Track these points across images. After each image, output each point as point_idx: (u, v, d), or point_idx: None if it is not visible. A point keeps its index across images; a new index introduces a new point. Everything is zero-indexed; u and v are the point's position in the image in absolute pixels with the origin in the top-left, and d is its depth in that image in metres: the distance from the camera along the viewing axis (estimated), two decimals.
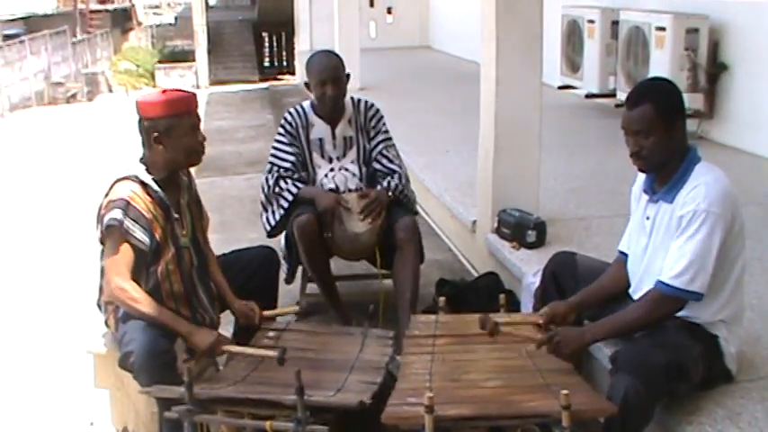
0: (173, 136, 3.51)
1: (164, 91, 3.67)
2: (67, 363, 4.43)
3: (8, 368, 4.61)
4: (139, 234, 3.44)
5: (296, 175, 4.63)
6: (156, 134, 3.51)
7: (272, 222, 4.65)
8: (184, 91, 3.67)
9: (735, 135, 7.28)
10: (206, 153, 3.63)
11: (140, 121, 3.56)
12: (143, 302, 3.41)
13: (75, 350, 4.18)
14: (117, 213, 3.41)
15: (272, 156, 4.72)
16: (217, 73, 25.48)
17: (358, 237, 4.47)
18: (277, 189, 4.60)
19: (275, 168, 4.67)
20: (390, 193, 4.59)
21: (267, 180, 4.67)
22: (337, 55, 4.79)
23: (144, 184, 3.53)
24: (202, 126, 3.65)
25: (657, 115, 3.11)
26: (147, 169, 3.57)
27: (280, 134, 4.75)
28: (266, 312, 3.86)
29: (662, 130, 3.12)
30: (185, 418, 3.08)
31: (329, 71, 4.63)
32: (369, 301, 4.38)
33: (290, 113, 4.77)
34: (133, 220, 3.43)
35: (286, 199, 4.57)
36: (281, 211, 4.59)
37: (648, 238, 3.29)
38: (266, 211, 4.70)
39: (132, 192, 3.48)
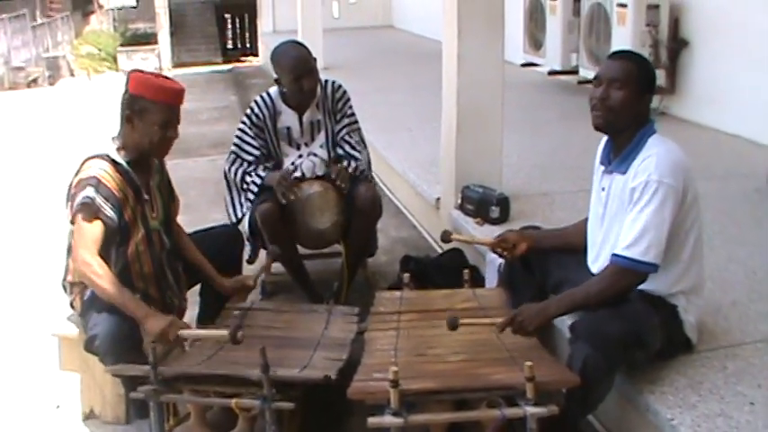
0: (144, 120, 3.47)
1: (159, 75, 3.67)
2: (32, 345, 4.39)
3: None
4: (109, 212, 3.42)
5: (260, 167, 4.59)
6: (128, 112, 3.49)
7: (239, 215, 4.63)
8: (178, 83, 3.64)
9: (696, 110, 7.35)
10: None
11: (125, 92, 3.53)
12: (105, 279, 3.37)
13: (39, 333, 4.15)
14: (89, 191, 3.39)
15: (236, 146, 4.65)
16: (180, 55, 25.22)
17: (322, 233, 4.50)
18: (244, 186, 4.57)
19: (239, 161, 4.63)
20: (351, 171, 4.58)
21: (231, 171, 4.63)
22: (302, 44, 4.67)
23: (115, 163, 3.51)
24: None
25: (637, 75, 3.17)
26: (118, 147, 3.54)
27: (245, 124, 4.66)
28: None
29: (634, 91, 3.16)
30: (151, 398, 3.08)
31: (302, 65, 4.50)
32: (332, 279, 4.40)
33: (256, 104, 4.68)
34: (104, 198, 3.41)
35: (253, 192, 4.54)
36: (249, 204, 4.56)
37: (604, 209, 3.34)
38: (232, 201, 4.68)
39: (103, 170, 3.46)
